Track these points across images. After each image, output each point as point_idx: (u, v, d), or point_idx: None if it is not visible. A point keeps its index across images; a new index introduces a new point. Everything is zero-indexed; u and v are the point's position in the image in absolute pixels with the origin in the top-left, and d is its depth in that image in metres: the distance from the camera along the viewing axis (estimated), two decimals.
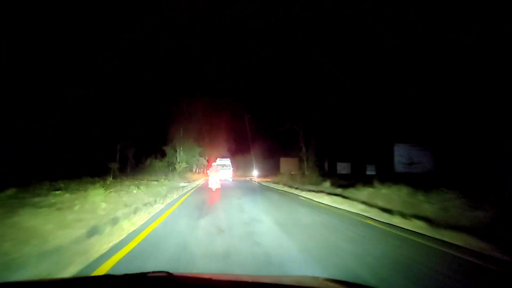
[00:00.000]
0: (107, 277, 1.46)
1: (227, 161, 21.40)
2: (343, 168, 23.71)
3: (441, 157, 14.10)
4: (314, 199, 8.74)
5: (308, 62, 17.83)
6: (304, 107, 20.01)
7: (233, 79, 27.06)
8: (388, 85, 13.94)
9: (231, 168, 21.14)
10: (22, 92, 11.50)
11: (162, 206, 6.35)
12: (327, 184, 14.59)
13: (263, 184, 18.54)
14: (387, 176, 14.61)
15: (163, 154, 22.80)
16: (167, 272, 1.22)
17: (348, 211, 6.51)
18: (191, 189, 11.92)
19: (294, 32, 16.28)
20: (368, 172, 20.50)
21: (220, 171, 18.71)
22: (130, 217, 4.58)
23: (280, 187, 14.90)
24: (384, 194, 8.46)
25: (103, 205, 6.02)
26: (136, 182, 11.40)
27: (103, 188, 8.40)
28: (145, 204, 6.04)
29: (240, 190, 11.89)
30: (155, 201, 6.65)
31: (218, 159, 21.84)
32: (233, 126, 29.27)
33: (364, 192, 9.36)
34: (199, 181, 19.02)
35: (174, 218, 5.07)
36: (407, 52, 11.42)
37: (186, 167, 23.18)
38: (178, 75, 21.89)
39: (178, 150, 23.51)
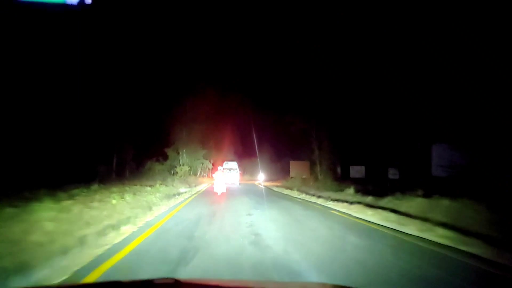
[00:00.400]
0: (113, 283, 1.44)
1: (234, 165, 20.26)
2: (356, 172, 22.19)
3: (478, 156, 11.96)
4: (353, 214, 6.44)
5: (314, 56, 16.85)
6: (317, 104, 18.73)
7: (238, 74, 26.17)
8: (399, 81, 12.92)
9: (239, 172, 20.05)
10: (22, 92, 10.98)
11: (134, 228, 4.17)
12: (350, 191, 12.42)
13: (274, 189, 16.30)
14: (420, 180, 12.46)
15: (165, 157, 21.24)
16: (174, 279, 1.24)
17: (429, 241, 4.12)
18: (189, 197, 9.81)
19: (295, 32, 16.32)
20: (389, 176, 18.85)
21: (227, 175, 17.19)
22: (44, 267, 2.38)
23: (295, 194, 12.69)
24: (448, 207, 6.19)
25: (49, 226, 3.99)
26: (127, 189, 9.60)
27: (71, 199, 6.53)
28: (105, 229, 3.96)
29: (249, 199, 9.67)
30: (128, 219, 4.56)
31: (224, 162, 20.75)
32: (239, 128, 27.88)
33: (412, 203, 7.12)
34: (202, 186, 16.89)
35: (136, 261, 2.74)
36: (407, 52, 11.07)
37: (189, 170, 21.49)
38: (181, 74, 21.08)
39: (181, 153, 21.90)
